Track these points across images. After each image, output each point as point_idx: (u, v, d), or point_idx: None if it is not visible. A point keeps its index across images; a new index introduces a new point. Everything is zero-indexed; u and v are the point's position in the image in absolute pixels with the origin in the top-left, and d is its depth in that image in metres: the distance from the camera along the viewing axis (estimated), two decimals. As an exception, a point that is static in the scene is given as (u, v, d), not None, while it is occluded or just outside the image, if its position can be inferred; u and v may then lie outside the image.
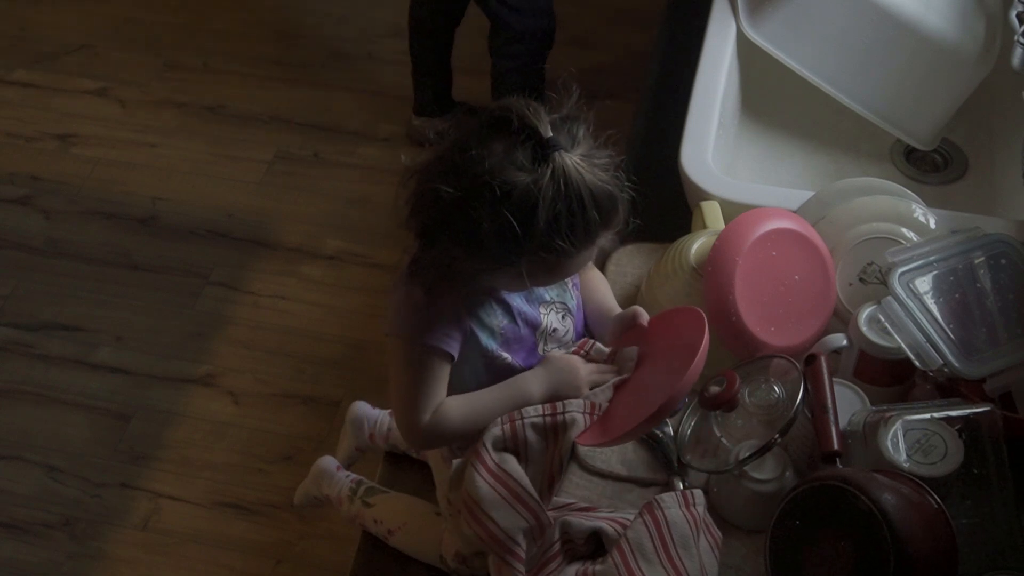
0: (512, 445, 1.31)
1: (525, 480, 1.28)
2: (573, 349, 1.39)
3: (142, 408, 2.52)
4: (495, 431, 1.30)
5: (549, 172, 1.19)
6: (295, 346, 2.62)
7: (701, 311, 1.34)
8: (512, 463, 1.29)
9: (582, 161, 1.21)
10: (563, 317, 1.41)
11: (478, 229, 1.20)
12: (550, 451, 1.31)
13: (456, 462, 1.39)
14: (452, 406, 1.33)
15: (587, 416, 1.31)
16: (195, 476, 2.41)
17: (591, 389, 1.35)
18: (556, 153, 1.20)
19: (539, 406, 1.32)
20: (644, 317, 1.39)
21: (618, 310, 1.45)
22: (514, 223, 1.19)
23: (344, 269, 2.77)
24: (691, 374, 1.26)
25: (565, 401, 1.32)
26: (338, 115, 3.13)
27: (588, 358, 1.38)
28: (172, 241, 2.85)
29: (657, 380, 1.34)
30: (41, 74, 3.29)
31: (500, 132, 1.21)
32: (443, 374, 1.32)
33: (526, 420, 1.30)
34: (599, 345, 1.39)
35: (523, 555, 1.27)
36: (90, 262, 2.81)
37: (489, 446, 1.29)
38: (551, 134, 1.21)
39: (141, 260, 2.82)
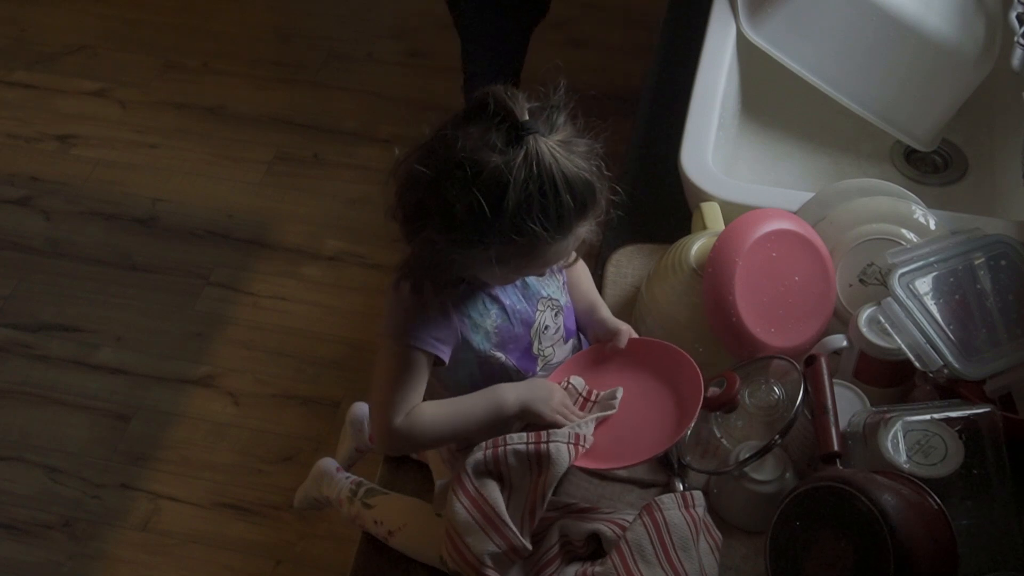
0: (495, 469, 1.30)
1: (500, 507, 1.28)
2: (552, 378, 1.40)
3: (142, 408, 2.52)
4: (477, 456, 1.30)
5: (522, 154, 1.19)
6: (295, 346, 2.62)
7: (695, 364, 1.37)
8: (491, 489, 1.29)
9: (558, 147, 1.22)
10: (556, 315, 1.41)
11: (452, 210, 1.21)
12: (533, 479, 1.30)
13: (439, 483, 1.39)
14: (426, 409, 1.33)
15: (571, 447, 1.30)
16: (195, 477, 2.41)
17: (567, 420, 1.35)
18: (530, 136, 1.20)
19: (524, 434, 1.31)
20: (621, 345, 1.42)
21: (600, 303, 1.47)
22: (484, 203, 1.19)
23: (344, 269, 2.77)
24: (686, 431, 1.33)
25: (551, 431, 1.31)
26: (338, 115, 3.13)
27: (565, 390, 1.39)
28: (172, 242, 2.85)
29: (647, 420, 1.36)
30: (41, 74, 3.29)
31: (478, 116, 1.23)
32: (423, 376, 1.32)
33: (509, 447, 1.30)
34: (578, 379, 1.39)
35: None
36: (90, 262, 2.81)
37: (470, 471, 1.30)
38: (527, 118, 1.21)
39: (141, 260, 2.81)
